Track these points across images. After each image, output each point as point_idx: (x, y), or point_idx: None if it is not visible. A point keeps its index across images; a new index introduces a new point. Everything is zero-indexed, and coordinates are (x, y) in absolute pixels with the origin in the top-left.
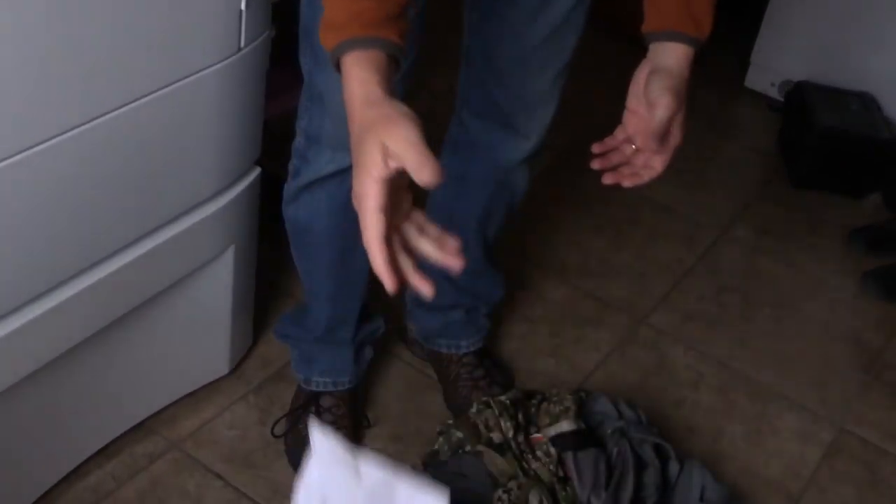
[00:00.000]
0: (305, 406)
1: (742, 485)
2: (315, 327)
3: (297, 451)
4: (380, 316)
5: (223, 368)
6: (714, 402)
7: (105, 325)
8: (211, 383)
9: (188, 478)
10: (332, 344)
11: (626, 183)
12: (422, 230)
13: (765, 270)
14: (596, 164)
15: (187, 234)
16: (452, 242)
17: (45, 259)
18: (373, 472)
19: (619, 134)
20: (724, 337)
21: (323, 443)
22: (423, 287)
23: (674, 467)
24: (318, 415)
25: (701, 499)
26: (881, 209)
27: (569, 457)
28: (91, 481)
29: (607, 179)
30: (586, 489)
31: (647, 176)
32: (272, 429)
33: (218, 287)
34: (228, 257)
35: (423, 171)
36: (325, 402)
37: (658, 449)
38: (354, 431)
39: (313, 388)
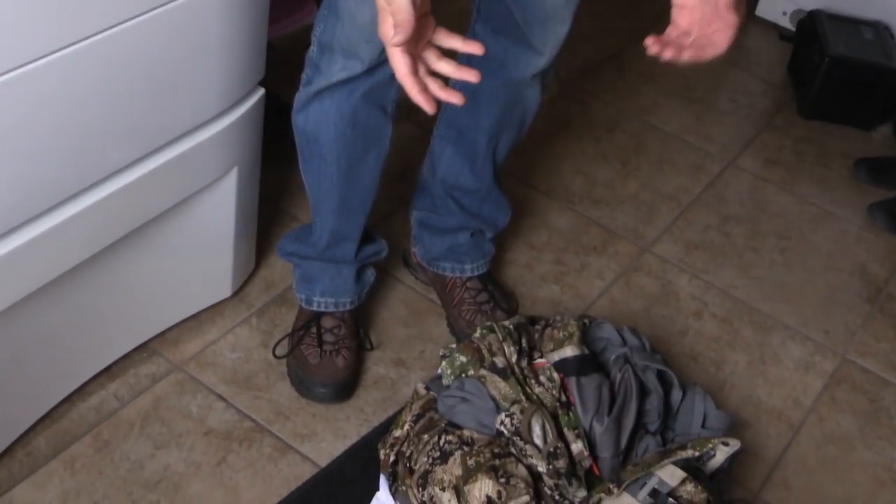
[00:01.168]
0: (306, 327)
1: (744, 413)
2: (318, 243)
3: (297, 371)
4: (383, 239)
5: (226, 291)
6: (717, 331)
7: (108, 245)
8: (214, 306)
9: (191, 399)
10: (334, 262)
11: (686, 56)
12: (440, 57)
13: (771, 201)
14: (653, 48)
15: (191, 154)
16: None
17: (48, 177)
18: None
19: (672, 32)
20: (729, 266)
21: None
22: (454, 98)
23: (676, 395)
24: (320, 335)
25: (703, 426)
26: (890, 141)
27: (572, 382)
28: (94, 401)
29: (667, 54)
30: (589, 414)
31: (710, 52)
32: (273, 350)
33: (221, 209)
34: (232, 179)
35: None
36: (327, 322)
37: (661, 376)
38: (357, 354)
39: (314, 308)
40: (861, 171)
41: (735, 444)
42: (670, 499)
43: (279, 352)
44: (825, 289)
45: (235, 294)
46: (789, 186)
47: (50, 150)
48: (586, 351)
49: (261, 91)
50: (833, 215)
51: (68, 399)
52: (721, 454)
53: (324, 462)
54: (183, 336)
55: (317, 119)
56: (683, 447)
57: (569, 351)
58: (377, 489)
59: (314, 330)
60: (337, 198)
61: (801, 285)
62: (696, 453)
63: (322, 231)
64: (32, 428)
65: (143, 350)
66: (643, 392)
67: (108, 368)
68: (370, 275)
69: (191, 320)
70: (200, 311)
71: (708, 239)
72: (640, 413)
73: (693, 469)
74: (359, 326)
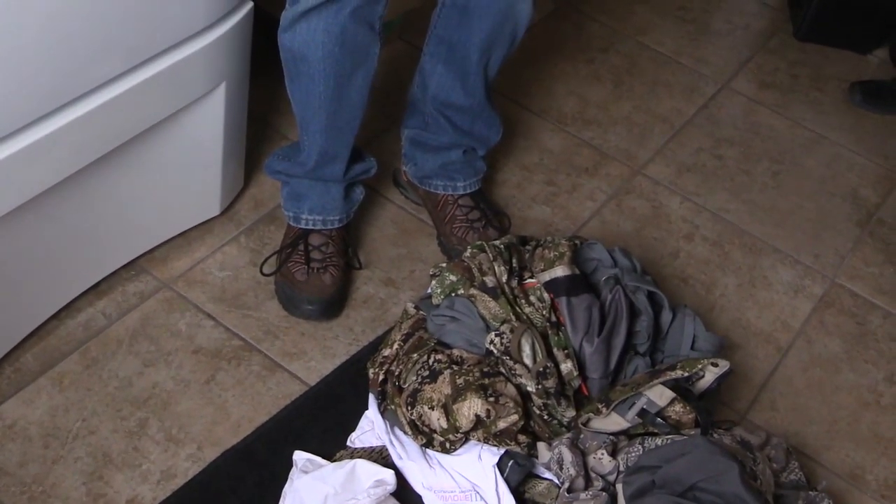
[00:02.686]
0: (294, 244)
1: (733, 335)
2: (306, 161)
3: (285, 288)
4: (371, 157)
5: (215, 209)
6: (708, 253)
7: (95, 161)
8: (202, 224)
9: (179, 317)
10: (322, 181)
11: None
12: None
13: (764, 124)
14: None
15: (177, 68)
16: None
17: (30, 89)
18: (338, 469)
19: None
20: (721, 189)
21: (300, 459)
22: None
23: (666, 316)
24: (307, 253)
25: (692, 347)
26: (886, 65)
27: (562, 302)
28: (82, 318)
29: None
30: (579, 334)
31: None
32: (261, 267)
33: (209, 125)
34: (219, 95)
35: None
36: (314, 240)
37: (651, 297)
38: (344, 272)
39: (302, 225)
40: (856, 94)
41: (724, 365)
42: (658, 419)
43: (267, 269)
44: (816, 213)
45: (224, 212)
46: (783, 110)
47: (33, 62)
48: (577, 271)
49: (249, 5)
50: (826, 139)
51: (56, 316)
52: (710, 375)
53: (313, 381)
54: (171, 254)
55: (304, 38)
56: (673, 367)
57: (559, 271)
58: (366, 408)
59: (301, 247)
60: (325, 117)
61: (793, 209)
62: (686, 373)
63: (310, 150)
64: (20, 345)
65: (131, 268)
66: (633, 313)
67: (95, 286)
68: (359, 193)
69: (179, 238)
70: (189, 230)
71: (700, 161)
72: (630, 334)
73: (682, 390)
74: (347, 245)
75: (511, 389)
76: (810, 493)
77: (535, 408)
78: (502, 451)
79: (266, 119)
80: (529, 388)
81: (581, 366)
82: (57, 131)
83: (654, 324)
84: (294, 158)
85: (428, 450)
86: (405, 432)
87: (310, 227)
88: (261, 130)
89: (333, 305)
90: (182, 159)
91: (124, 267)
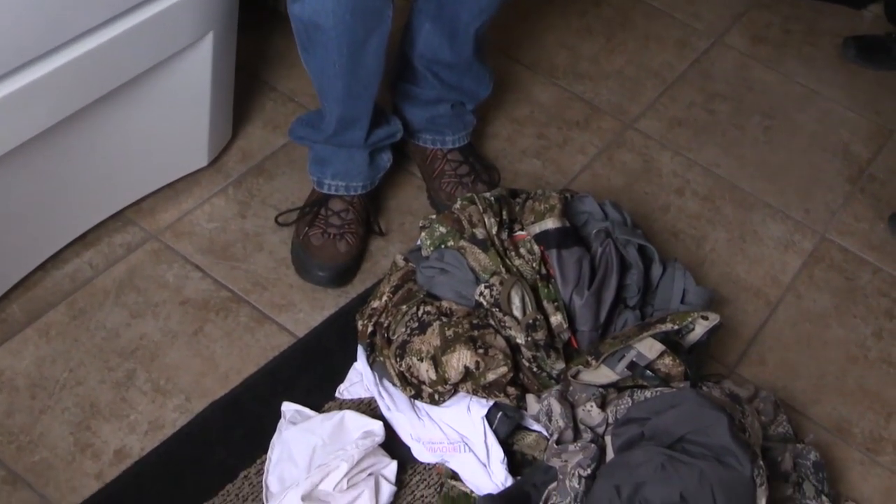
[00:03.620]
0: (314, 206)
1: (723, 290)
2: (326, 129)
3: (299, 251)
4: (398, 120)
5: (202, 160)
6: (699, 208)
7: (81, 109)
8: (190, 175)
9: (167, 268)
10: (345, 147)
11: None
12: None
13: (757, 79)
14: None
15: (164, 16)
16: None
17: (16, 35)
18: (327, 420)
19: None
20: (712, 144)
21: (288, 411)
22: None
23: (657, 270)
24: (325, 217)
25: (682, 301)
26: (881, 20)
27: (552, 254)
28: (69, 269)
29: None
30: (568, 287)
31: None
32: (277, 217)
33: (196, 75)
34: (207, 44)
35: None
36: (335, 205)
37: (642, 251)
38: (361, 240)
39: (325, 190)
40: (849, 50)
41: (714, 319)
42: (648, 371)
43: (282, 220)
44: (807, 168)
45: (212, 164)
46: (776, 65)
47: (16, 6)
48: (567, 224)
49: None
50: (819, 94)
51: (42, 267)
52: (700, 328)
53: (301, 332)
54: (158, 205)
55: (314, 7)
56: (663, 320)
57: (550, 223)
58: (355, 360)
59: (322, 211)
60: (341, 86)
61: (784, 164)
62: (676, 326)
63: (330, 118)
64: (6, 295)
65: (118, 219)
66: (624, 266)
67: (82, 237)
68: (385, 159)
69: (166, 189)
70: (176, 181)
71: (692, 116)
72: (620, 287)
73: (672, 343)
74: (369, 212)
75: (500, 342)
76: (798, 445)
77: (524, 360)
78: (491, 403)
79: (255, 70)
80: (519, 341)
81: (571, 319)
82: (41, 78)
83: (644, 277)
84: (316, 125)
85: (416, 401)
86: (394, 384)
87: (332, 192)
88: (249, 82)
89: (346, 274)
90: (169, 109)
91: (111, 218)
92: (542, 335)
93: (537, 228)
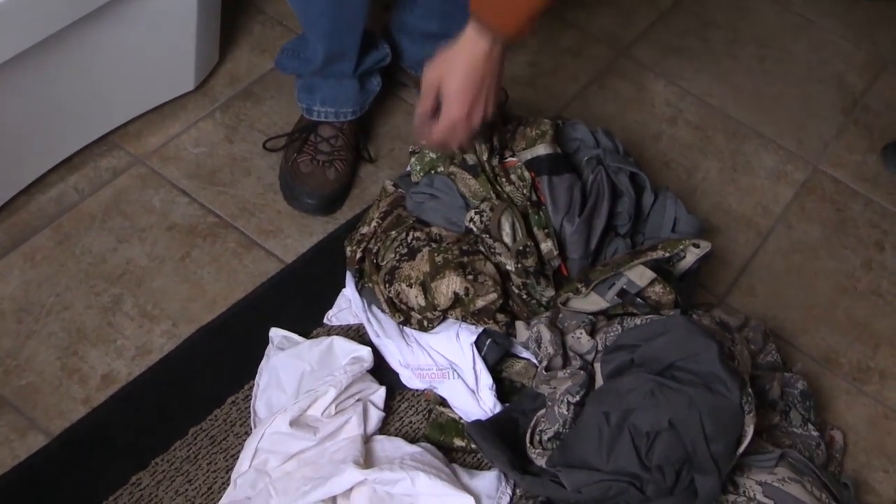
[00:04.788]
0: (302, 132)
1: (713, 220)
2: (314, 59)
3: (287, 178)
4: (386, 44)
5: (189, 84)
6: (691, 137)
7: (65, 28)
8: (177, 99)
9: (153, 193)
10: (334, 77)
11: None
12: None
13: (752, 8)
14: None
15: None
16: None
17: None
18: (315, 346)
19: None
20: (706, 73)
21: (276, 337)
22: None
23: (648, 197)
24: (314, 144)
25: (673, 230)
26: None
27: (543, 181)
28: (53, 193)
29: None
30: (559, 214)
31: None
32: (265, 143)
33: None
34: None
35: None
36: (324, 131)
37: (633, 179)
38: (350, 167)
39: (315, 117)
40: None
41: (706, 247)
42: (638, 299)
43: (270, 145)
44: (801, 99)
45: (199, 88)
46: None
47: None
48: (559, 150)
49: None
50: (814, 24)
51: (26, 191)
52: (691, 256)
53: (289, 258)
54: (145, 129)
55: None
56: (654, 248)
57: (541, 149)
58: (343, 286)
59: (311, 138)
60: (329, 23)
61: (778, 94)
62: (666, 254)
63: (316, 51)
64: None
65: (104, 143)
66: (615, 194)
67: (67, 161)
68: (375, 84)
69: (153, 113)
70: (162, 105)
71: (686, 44)
72: (612, 215)
73: (663, 271)
74: (359, 138)
75: (490, 268)
76: (786, 374)
77: (514, 287)
78: (480, 329)
79: None
80: (509, 267)
81: (561, 246)
82: None
83: (635, 205)
84: (302, 56)
85: (405, 328)
86: (382, 310)
87: (322, 119)
88: (236, 5)
89: (335, 201)
90: (155, 31)
91: (97, 142)
92: (532, 262)
93: (528, 154)
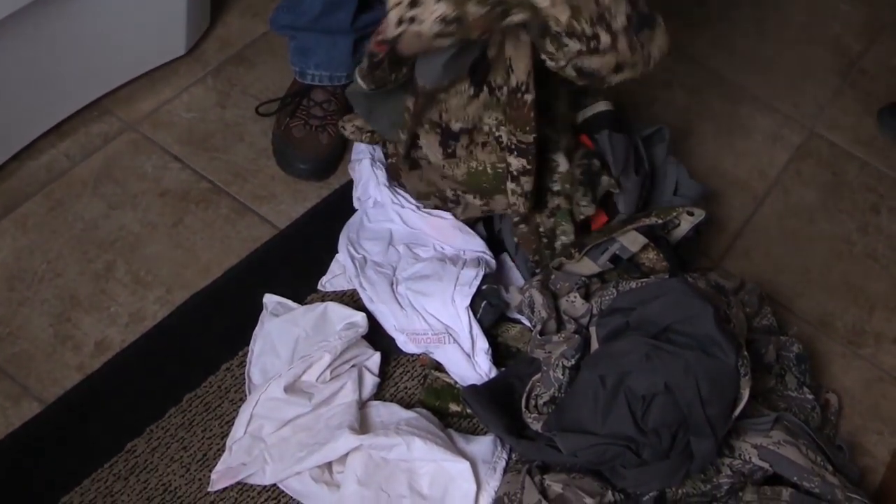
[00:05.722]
0: (296, 97)
1: (710, 183)
2: (310, 9)
3: (280, 143)
4: (381, 5)
5: (180, 49)
6: (686, 101)
7: None
8: (168, 64)
9: (145, 159)
10: (329, 33)
11: None
12: None
13: None
14: None
15: None
16: None
17: None
18: (309, 312)
19: None
20: (701, 36)
21: (270, 303)
22: None
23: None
24: (307, 109)
25: (675, 194)
26: None
27: (604, 135)
28: (44, 160)
29: None
30: (618, 168)
31: None
32: (257, 108)
33: None
34: None
35: None
36: (317, 96)
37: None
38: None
39: (308, 81)
40: None
41: (700, 214)
42: (631, 265)
43: (263, 109)
44: (797, 61)
45: (190, 52)
46: None
47: None
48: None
49: None
50: None
51: (16, 157)
52: (686, 223)
53: (283, 224)
54: (136, 95)
55: None
56: (648, 215)
57: (602, 106)
58: (337, 252)
59: (304, 102)
60: None
61: (774, 57)
62: (660, 221)
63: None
64: None
65: (95, 108)
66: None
67: (58, 127)
68: (369, 46)
69: (144, 79)
70: (153, 70)
71: (681, 8)
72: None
73: (657, 238)
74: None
75: None
76: (781, 338)
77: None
78: (473, 291)
79: None
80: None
81: (610, 204)
82: None
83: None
84: (298, 8)
85: (398, 289)
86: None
87: (315, 83)
88: None
89: (327, 166)
90: None
91: (87, 107)
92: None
93: (590, 112)
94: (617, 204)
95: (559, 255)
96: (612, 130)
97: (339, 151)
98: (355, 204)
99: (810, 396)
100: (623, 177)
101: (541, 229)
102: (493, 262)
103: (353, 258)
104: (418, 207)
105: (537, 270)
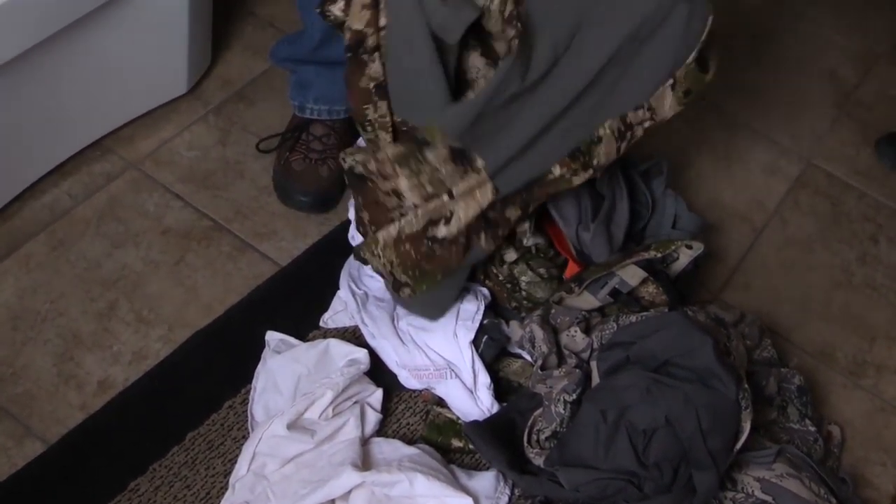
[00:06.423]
0: (295, 132)
1: (708, 215)
2: (310, 40)
3: (280, 177)
4: None
5: (181, 88)
6: (685, 132)
7: (56, 34)
8: (169, 103)
9: (147, 197)
10: (329, 64)
11: None
12: None
13: (744, 0)
14: None
15: None
16: None
17: None
18: (311, 349)
19: None
20: None
21: (272, 340)
22: None
23: (658, 186)
24: (307, 143)
25: (674, 227)
26: None
27: (549, 204)
28: (47, 200)
29: None
30: (572, 226)
31: None
32: (258, 144)
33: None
34: None
35: None
36: (317, 130)
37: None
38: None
39: (307, 115)
40: None
41: (698, 248)
42: (631, 299)
43: (263, 146)
44: (794, 92)
45: (191, 91)
46: None
47: None
48: None
49: None
50: (806, 16)
51: (20, 198)
52: (685, 257)
53: (284, 261)
54: (138, 134)
55: None
56: (646, 248)
57: None
58: (338, 288)
59: (303, 136)
60: None
61: (771, 89)
62: (659, 254)
63: (313, 29)
64: None
65: (97, 148)
66: (633, 187)
67: (60, 166)
68: None
69: (145, 118)
70: (155, 109)
71: None
72: (635, 214)
73: (657, 271)
74: (351, 138)
75: None
76: (782, 369)
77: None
78: (477, 325)
79: None
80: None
81: (584, 254)
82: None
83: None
84: (298, 41)
85: (400, 325)
86: None
87: (315, 116)
88: (227, 7)
89: (328, 199)
90: (146, 35)
91: (90, 147)
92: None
93: None
94: (594, 256)
95: (529, 295)
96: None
97: (340, 185)
98: (350, 242)
99: (812, 428)
100: (582, 230)
101: (500, 278)
102: (487, 293)
103: (354, 294)
104: None
105: (523, 315)
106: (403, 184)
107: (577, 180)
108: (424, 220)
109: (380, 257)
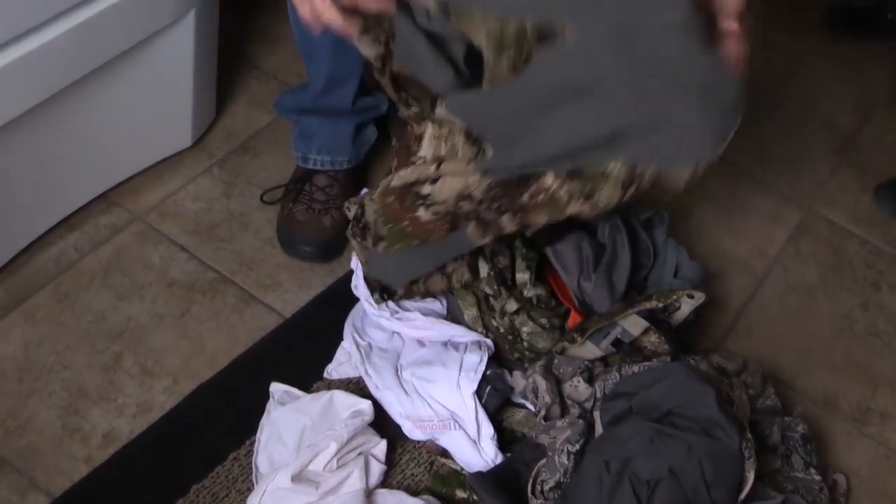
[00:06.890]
0: (297, 182)
1: (709, 263)
2: (314, 86)
3: (284, 228)
4: (382, 94)
5: (186, 140)
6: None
7: (63, 90)
8: (174, 156)
9: (152, 250)
10: (332, 115)
11: None
12: None
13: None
14: None
15: None
16: None
17: None
18: (315, 400)
19: None
20: None
21: (277, 391)
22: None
23: (660, 236)
24: (310, 193)
25: (676, 276)
26: None
27: (549, 252)
28: (53, 252)
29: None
30: (573, 276)
31: None
32: (262, 196)
33: (179, 54)
34: (189, 22)
35: None
36: (319, 181)
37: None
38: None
39: (310, 166)
40: (835, 20)
41: (700, 298)
42: (633, 349)
43: (267, 198)
44: (793, 140)
45: (196, 144)
46: (760, 35)
47: None
48: None
49: None
50: (803, 64)
51: (26, 251)
52: (686, 307)
53: (288, 312)
54: (143, 186)
55: None
56: (648, 298)
57: None
58: (342, 339)
59: (306, 187)
60: (331, 41)
61: (770, 137)
62: (660, 304)
63: (317, 77)
64: None
65: (102, 201)
66: (635, 237)
67: (66, 219)
68: (371, 133)
69: (150, 170)
70: (160, 161)
71: None
72: (636, 260)
73: (659, 321)
74: (354, 188)
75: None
76: (786, 418)
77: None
78: (480, 376)
79: (238, 49)
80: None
81: (587, 305)
82: (22, 58)
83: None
84: (301, 92)
85: (403, 375)
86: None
87: (317, 167)
88: (233, 61)
89: (331, 249)
90: (151, 89)
91: (95, 200)
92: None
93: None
94: (595, 306)
95: (531, 346)
96: (553, 242)
97: (343, 235)
98: (354, 292)
99: (817, 477)
100: (583, 281)
101: (501, 330)
102: (491, 343)
103: (358, 345)
104: (392, 313)
105: (525, 365)
106: (428, 132)
107: (571, 208)
108: (414, 176)
109: (374, 204)
